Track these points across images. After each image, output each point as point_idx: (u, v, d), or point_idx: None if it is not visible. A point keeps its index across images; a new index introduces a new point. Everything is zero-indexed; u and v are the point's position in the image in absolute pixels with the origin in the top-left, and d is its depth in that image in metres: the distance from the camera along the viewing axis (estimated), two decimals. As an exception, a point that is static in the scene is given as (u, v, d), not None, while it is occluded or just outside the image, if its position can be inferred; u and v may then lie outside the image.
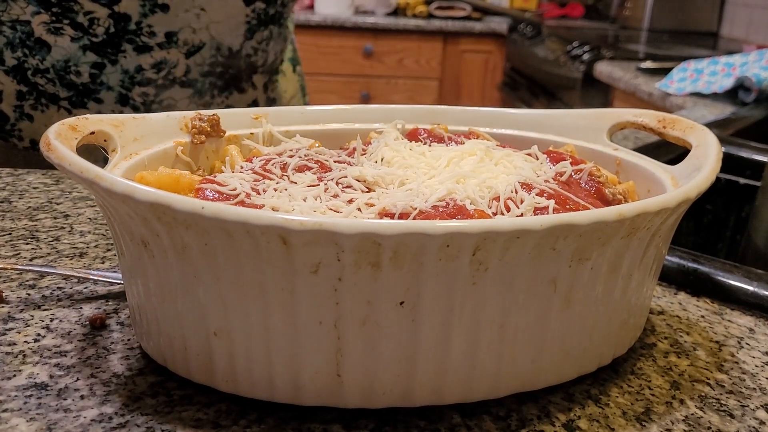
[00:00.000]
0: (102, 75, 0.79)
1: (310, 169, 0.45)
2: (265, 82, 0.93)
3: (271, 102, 0.96)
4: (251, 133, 0.52)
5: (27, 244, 0.56)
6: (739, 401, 0.41)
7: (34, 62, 0.78)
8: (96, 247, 0.56)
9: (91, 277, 0.50)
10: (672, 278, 0.55)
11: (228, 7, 0.80)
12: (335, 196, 0.41)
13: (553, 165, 0.47)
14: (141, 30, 0.77)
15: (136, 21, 0.76)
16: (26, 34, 0.76)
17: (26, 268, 0.50)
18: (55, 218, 0.62)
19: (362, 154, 0.48)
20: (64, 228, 0.60)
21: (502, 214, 0.40)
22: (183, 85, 0.83)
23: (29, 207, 0.64)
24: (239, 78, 0.88)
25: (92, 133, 0.43)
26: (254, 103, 0.92)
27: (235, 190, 0.40)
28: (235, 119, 0.52)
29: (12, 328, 0.44)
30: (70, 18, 0.74)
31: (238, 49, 0.84)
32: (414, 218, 0.37)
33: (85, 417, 0.36)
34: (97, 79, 0.79)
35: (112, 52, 0.78)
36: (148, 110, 0.83)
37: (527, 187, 0.42)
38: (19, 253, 0.54)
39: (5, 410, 0.36)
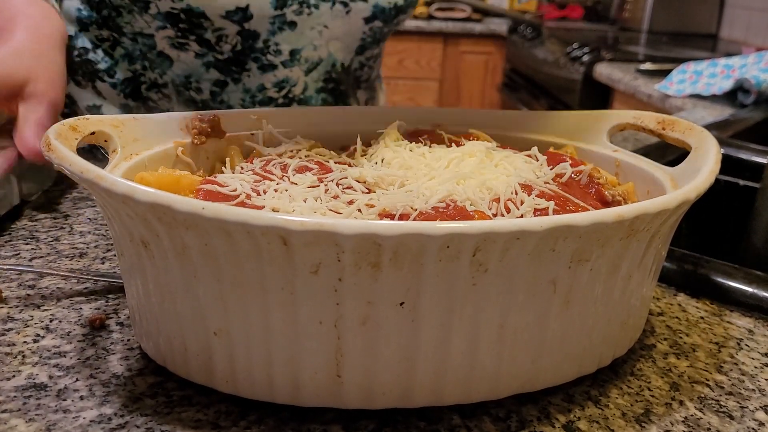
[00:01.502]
0: (223, 93, 0.78)
1: (310, 170, 0.45)
2: (367, 99, 0.92)
3: None
4: (251, 134, 0.52)
5: (27, 244, 0.56)
6: (738, 402, 0.41)
7: (153, 76, 0.76)
8: (96, 247, 0.56)
9: (91, 277, 0.50)
10: (671, 279, 0.55)
11: (349, 24, 0.79)
12: (335, 197, 0.41)
13: (553, 166, 0.47)
14: (268, 48, 0.76)
15: (264, 39, 0.75)
16: (148, 47, 0.74)
17: (26, 268, 0.50)
18: (55, 218, 0.62)
19: (362, 155, 0.48)
20: (64, 228, 0.60)
21: (502, 215, 0.40)
22: (300, 103, 0.82)
23: (29, 207, 0.64)
24: (347, 94, 0.87)
25: (93, 133, 0.44)
26: None
27: (235, 190, 0.40)
28: (235, 120, 0.52)
29: (11, 329, 0.44)
30: (197, 34, 0.73)
31: (348, 64, 0.84)
32: (414, 219, 0.38)
33: (84, 418, 0.36)
34: (217, 97, 0.78)
35: (237, 70, 0.76)
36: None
37: (527, 188, 0.42)
38: (18, 253, 0.54)
39: (4, 411, 0.36)
